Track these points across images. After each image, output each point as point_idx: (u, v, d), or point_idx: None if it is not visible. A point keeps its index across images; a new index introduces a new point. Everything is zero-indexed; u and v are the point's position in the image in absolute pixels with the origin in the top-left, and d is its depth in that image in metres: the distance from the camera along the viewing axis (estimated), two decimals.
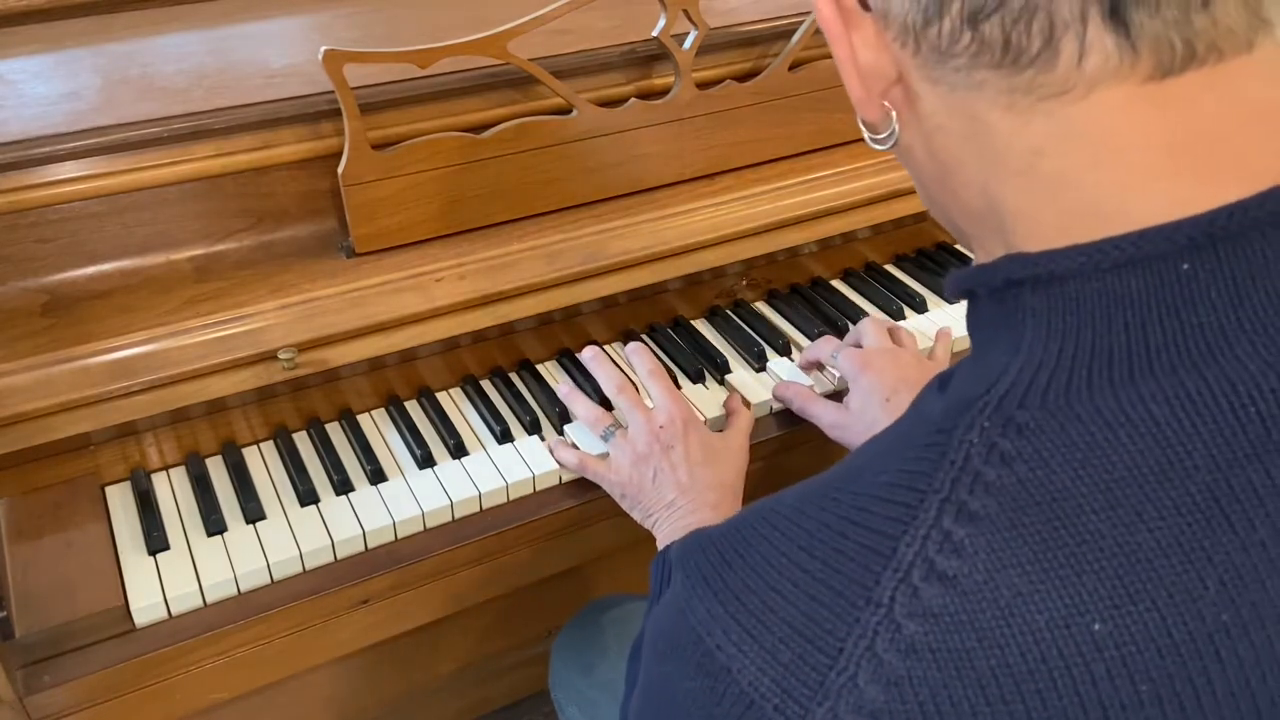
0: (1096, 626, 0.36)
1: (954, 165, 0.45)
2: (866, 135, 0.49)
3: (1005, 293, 0.42)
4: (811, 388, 0.99)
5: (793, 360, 1.04)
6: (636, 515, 0.87)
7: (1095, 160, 0.39)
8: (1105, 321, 0.39)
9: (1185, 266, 0.38)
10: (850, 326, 1.09)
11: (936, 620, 0.38)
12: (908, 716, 0.37)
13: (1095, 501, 0.37)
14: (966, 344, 0.97)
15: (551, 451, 0.92)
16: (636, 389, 0.93)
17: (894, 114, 0.46)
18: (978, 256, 0.48)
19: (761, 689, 0.40)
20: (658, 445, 0.86)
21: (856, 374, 0.93)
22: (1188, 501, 0.37)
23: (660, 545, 0.82)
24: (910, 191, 1.13)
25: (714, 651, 0.42)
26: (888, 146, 0.48)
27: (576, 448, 0.92)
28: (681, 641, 0.44)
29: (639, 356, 0.94)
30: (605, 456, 0.90)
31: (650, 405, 0.90)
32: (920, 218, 1.19)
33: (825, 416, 0.94)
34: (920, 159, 0.47)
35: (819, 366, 1.02)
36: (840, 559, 0.40)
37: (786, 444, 1.00)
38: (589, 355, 0.96)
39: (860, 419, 0.90)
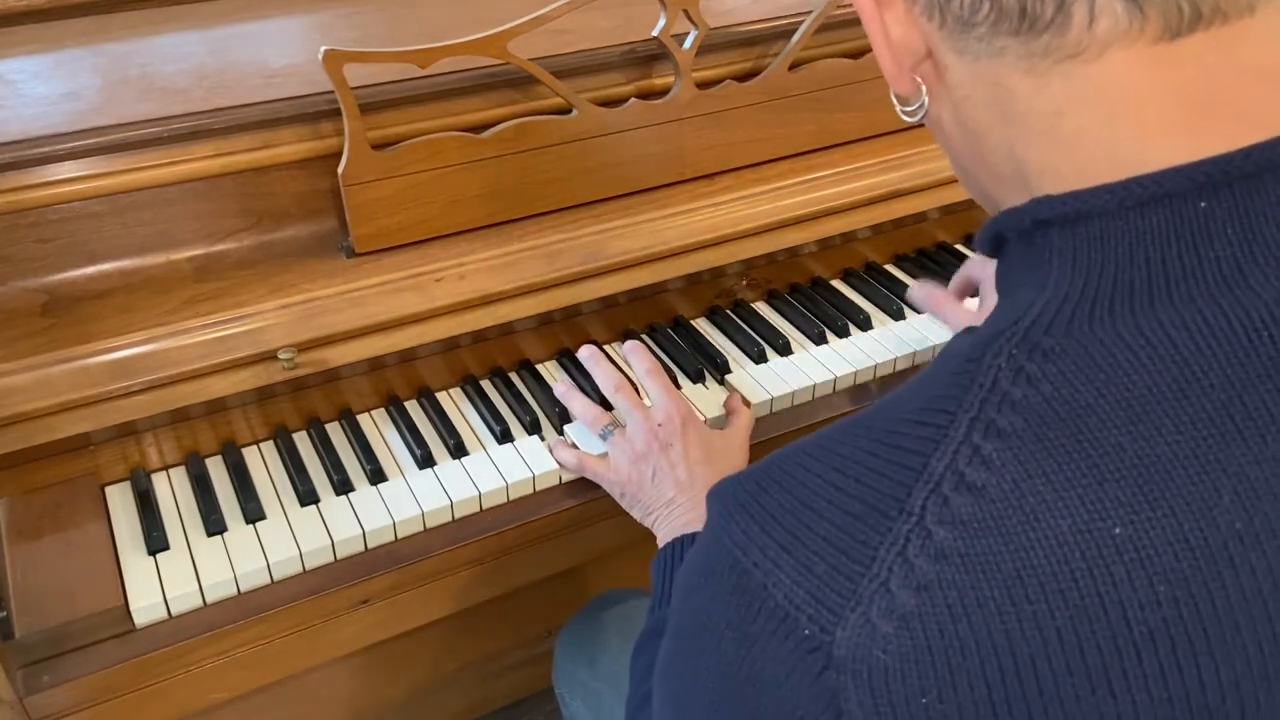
0: (1117, 530, 0.38)
1: (981, 132, 0.47)
2: (899, 108, 0.51)
3: (1033, 234, 0.45)
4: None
5: (793, 359, 1.04)
6: (636, 514, 0.87)
7: (1111, 116, 0.42)
8: (1127, 255, 0.42)
9: (1203, 204, 0.41)
10: (850, 326, 1.09)
11: (965, 527, 0.40)
12: (936, 618, 0.39)
13: (1116, 416, 0.40)
14: None
15: (551, 451, 0.92)
16: (635, 388, 0.93)
17: (924, 87, 0.49)
18: None
19: (796, 600, 0.42)
20: (656, 443, 0.86)
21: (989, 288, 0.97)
22: (1204, 417, 0.39)
23: (660, 543, 0.82)
24: (910, 191, 1.14)
25: (750, 570, 0.43)
26: (918, 119, 0.51)
27: (575, 447, 0.92)
28: (717, 566, 0.45)
29: (637, 356, 0.94)
30: (604, 456, 0.90)
31: (648, 404, 0.90)
32: (920, 218, 1.19)
33: (960, 322, 0.98)
34: (950, 129, 0.50)
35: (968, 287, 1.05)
36: (872, 476, 0.42)
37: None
38: (586, 354, 0.96)
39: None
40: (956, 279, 1.05)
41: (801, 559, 0.42)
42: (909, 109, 0.50)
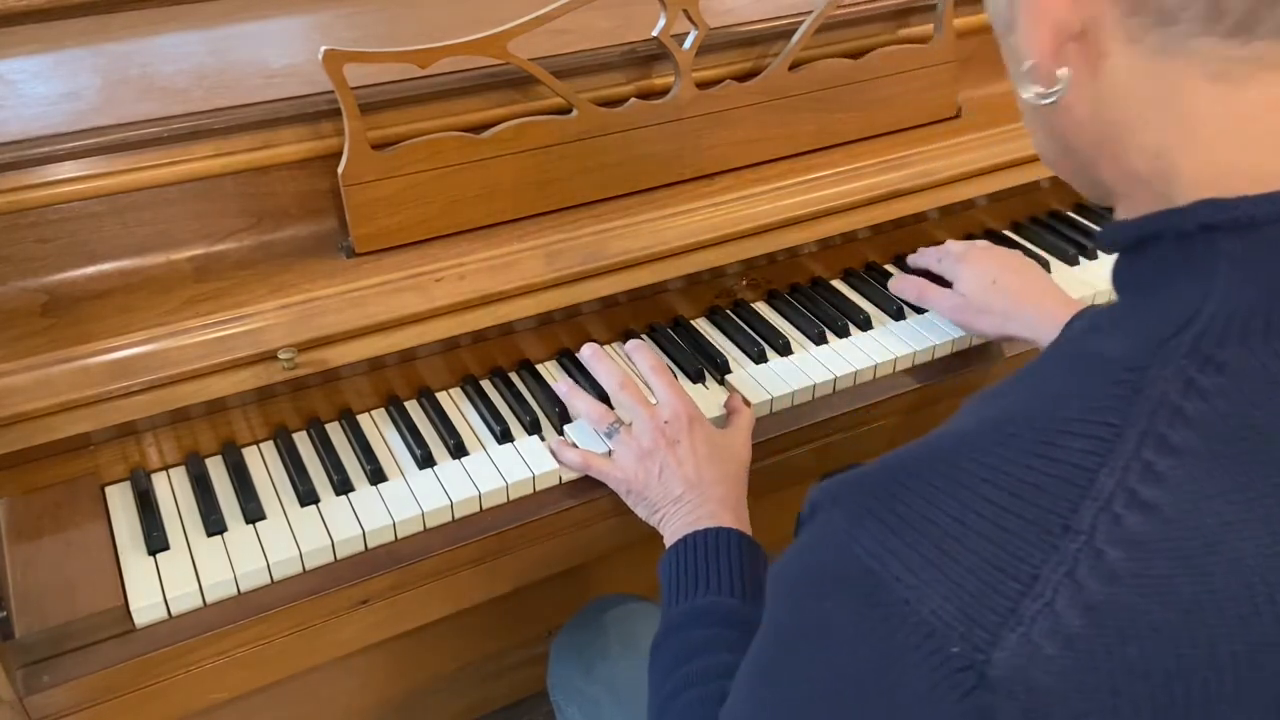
0: None
1: (1125, 127, 0.46)
2: (1025, 90, 0.49)
3: (1194, 237, 0.43)
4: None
5: (793, 358, 1.04)
6: (641, 511, 0.87)
7: None
8: None
9: None
10: (850, 326, 1.09)
11: (1140, 547, 0.38)
12: (1104, 641, 0.38)
13: None
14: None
15: (554, 453, 0.92)
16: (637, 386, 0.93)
17: (1065, 71, 0.46)
18: (1119, 213, 0.50)
19: (945, 617, 0.40)
20: (663, 440, 0.86)
21: (958, 266, 1.06)
22: None
23: (668, 542, 0.82)
24: (910, 191, 1.14)
25: (890, 583, 0.42)
26: (1047, 102, 0.48)
27: (572, 445, 0.92)
28: (846, 576, 0.44)
29: (640, 353, 0.94)
30: (609, 454, 0.90)
31: (653, 401, 0.90)
32: (920, 218, 1.19)
33: (943, 302, 1.06)
34: (1078, 118, 0.48)
35: (925, 274, 1.13)
36: (1029, 490, 0.41)
37: (786, 444, 1.00)
38: (588, 353, 0.96)
39: (973, 300, 1.03)
40: (910, 267, 1.15)
41: (952, 575, 0.41)
42: (1041, 91, 0.48)
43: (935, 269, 1.11)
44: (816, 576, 0.46)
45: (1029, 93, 0.49)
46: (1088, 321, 0.49)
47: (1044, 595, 0.39)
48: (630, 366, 0.98)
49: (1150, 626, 0.38)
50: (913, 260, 1.15)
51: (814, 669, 0.45)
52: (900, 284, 1.11)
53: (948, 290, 1.07)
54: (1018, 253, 1.10)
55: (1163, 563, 0.38)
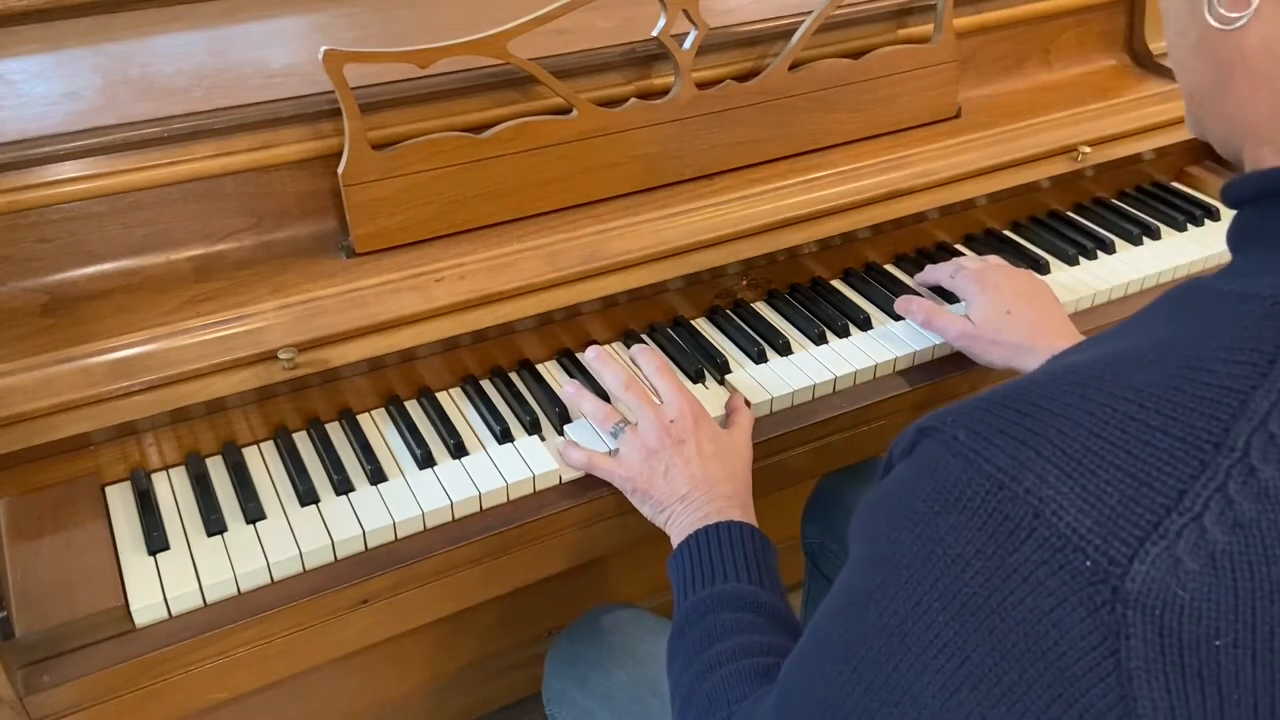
0: None
1: None
2: (1208, 13, 0.49)
3: None
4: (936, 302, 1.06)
5: (793, 358, 1.04)
6: (647, 511, 0.87)
7: None
8: None
9: None
10: (850, 326, 1.09)
11: None
12: (1249, 558, 0.38)
13: None
14: None
15: (560, 454, 0.92)
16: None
17: None
18: (1250, 164, 0.51)
19: (1081, 529, 0.40)
20: (669, 439, 0.86)
21: (975, 291, 1.02)
22: None
23: (675, 541, 0.82)
24: (910, 191, 1.14)
25: (1020, 496, 0.42)
26: (1232, 26, 0.48)
27: (577, 445, 0.92)
28: (969, 491, 0.43)
29: (644, 356, 0.94)
30: (614, 454, 0.90)
31: (658, 401, 0.90)
32: (920, 218, 1.19)
33: (953, 328, 1.01)
34: (1250, 47, 0.48)
35: (937, 290, 1.12)
36: (1178, 409, 0.41)
37: (785, 445, 1.00)
38: (592, 355, 0.96)
39: (984, 330, 0.99)
40: (917, 283, 1.12)
41: (1090, 489, 0.41)
42: (1227, 14, 0.48)
43: (947, 285, 1.08)
44: (929, 495, 0.45)
45: (1212, 15, 0.49)
46: (1209, 276, 0.49)
47: (1192, 510, 0.39)
48: (634, 369, 0.98)
49: None
50: (921, 278, 1.12)
51: (923, 588, 0.44)
52: (907, 306, 1.06)
53: (958, 316, 1.02)
54: (1032, 276, 1.06)
55: None
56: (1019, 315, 0.98)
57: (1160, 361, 0.43)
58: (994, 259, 1.10)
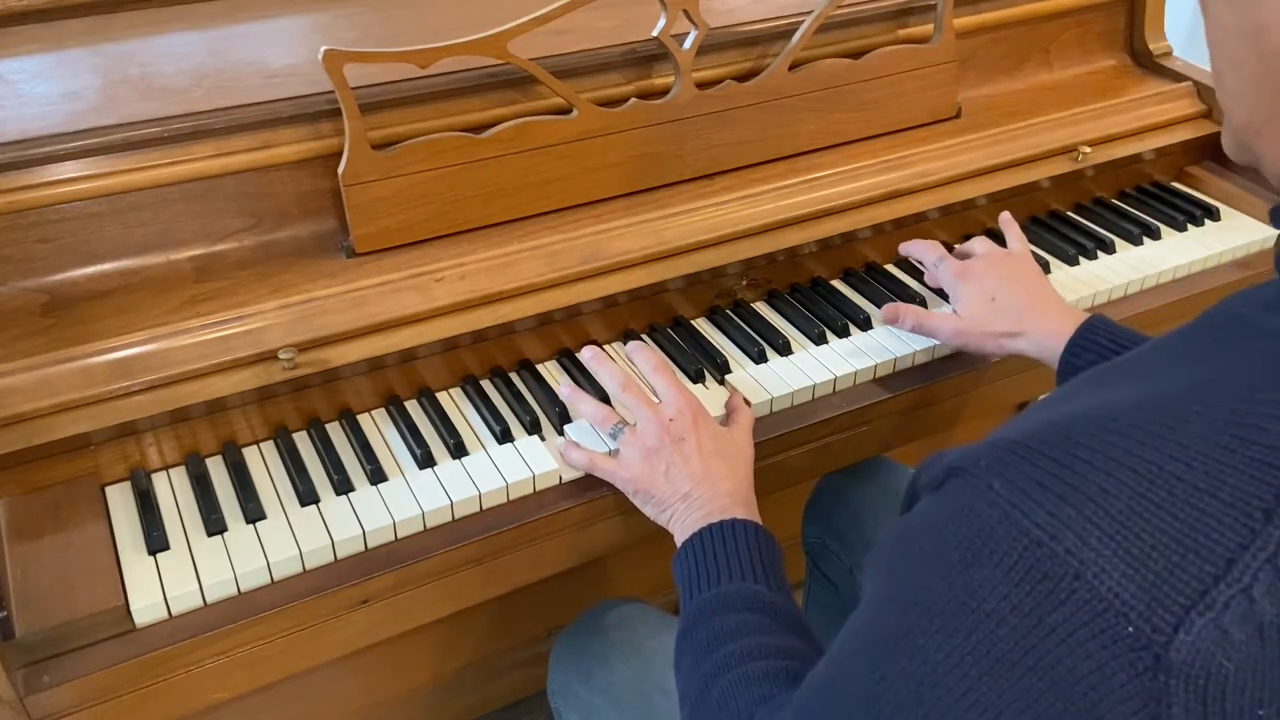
0: None
1: None
2: None
3: None
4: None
5: (793, 358, 1.04)
6: (650, 511, 0.87)
7: None
8: None
9: None
10: (850, 326, 1.09)
11: None
12: None
13: None
14: None
15: (561, 456, 0.92)
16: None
17: None
18: None
19: (1124, 595, 0.39)
20: (668, 438, 0.86)
21: (955, 283, 1.01)
22: None
23: (679, 540, 0.82)
24: (910, 191, 1.14)
25: (1060, 556, 0.41)
26: None
27: (577, 446, 0.92)
28: (1005, 546, 0.42)
29: (641, 354, 0.94)
30: (614, 454, 0.90)
31: (656, 400, 0.90)
32: (920, 218, 1.19)
33: (944, 328, 1.01)
34: None
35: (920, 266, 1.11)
36: (1227, 471, 0.40)
37: (785, 444, 1.00)
38: (589, 355, 0.96)
39: (974, 324, 0.98)
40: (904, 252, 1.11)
41: (1134, 553, 0.39)
42: None
43: (929, 269, 1.08)
44: (962, 544, 0.44)
45: None
46: (1256, 299, 0.47)
47: (1241, 581, 0.38)
48: (631, 368, 0.98)
49: None
50: (904, 248, 1.11)
51: (953, 641, 0.43)
52: (894, 314, 1.04)
53: (947, 314, 1.02)
54: (1012, 255, 1.05)
55: None
56: (1004, 301, 0.98)
57: (1207, 414, 0.42)
58: (976, 244, 1.09)
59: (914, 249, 1.10)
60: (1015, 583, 0.42)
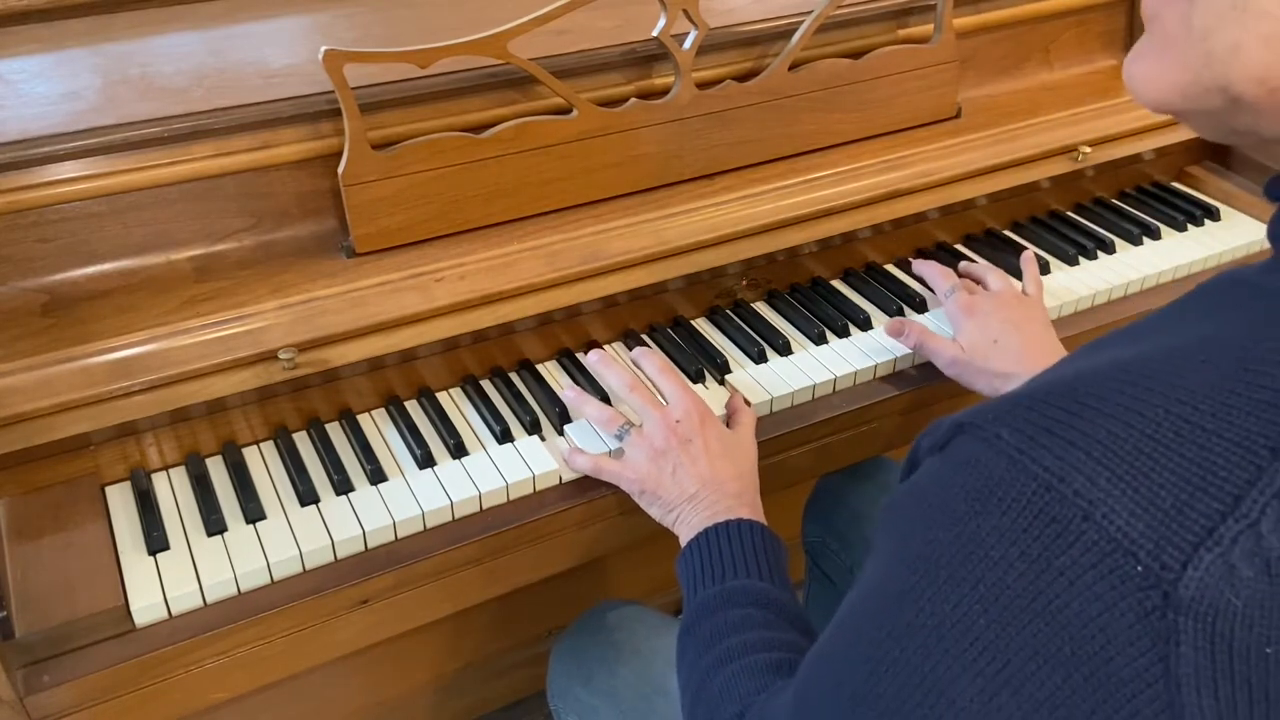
0: None
1: None
2: None
3: None
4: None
5: (793, 358, 1.04)
6: (655, 511, 0.87)
7: None
8: None
9: None
10: (850, 326, 1.09)
11: None
12: None
13: None
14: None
15: (566, 462, 0.92)
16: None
17: None
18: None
19: (1132, 534, 0.39)
20: (675, 439, 0.86)
21: (961, 319, 1.02)
22: None
23: (684, 540, 0.82)
24: (910, 191, 1.14)
25: (1069, 498, 0.41)
26: None
27: (583, 451, 0.91)
28: (1014, 491, 0.42)
29: (647, 358, 0.94)
30: (619, 456, 0.90)
31: (663, 403, 0.90)
32: (920, 218, 1.19)
33: (944, 354, 1.01)
34: None
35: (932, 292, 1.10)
36: (1234, 413, 0.40)
37: (785, 444, 1.00)
38: (594, 359, 0.96)
39: (973, 358, 0.99)
40: (924, 271, 1.10)
41: (1143, 492, 0.40)
42: None
43: (941, 297, 1.07)
44: (970, 494, 0.44)
45: None
46: (1249, 270, 0.48)
47: (1248, 516, 0.39)
48: (636, 371, 0.98)
49: None
50: (918, 268, 1.12)
51: (963, 589, 0.43)
52: (899, 329, 1.05)
53: (949, 341, 1.02)
54: (1023, 300, 1.05)
55: None
56: (1005, 345, 0.98)
57: (1213, 362, 0.42)
58: (992, 279, 1.08)
59: (927, 272, 1.11)
60: (1024, 528, 0.42)
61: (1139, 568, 0.39)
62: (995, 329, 0.99)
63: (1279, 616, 0.38)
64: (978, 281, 1.10)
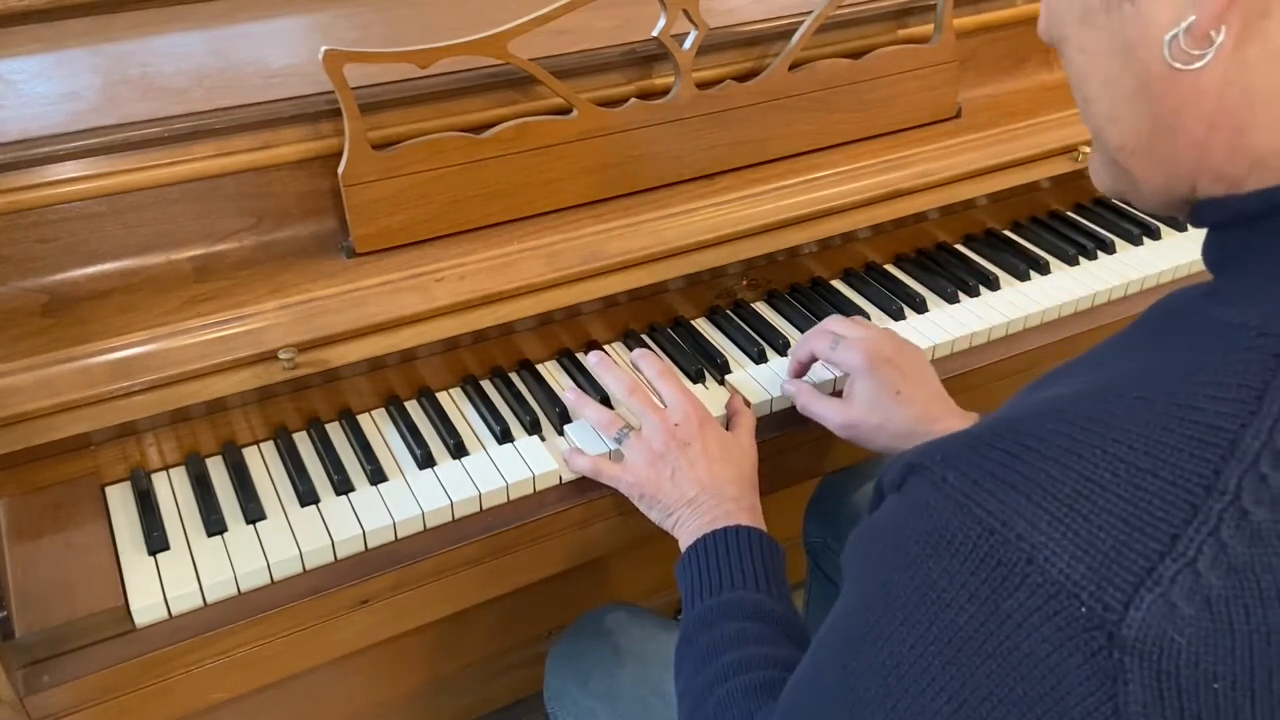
0: None
1: (1265, 98, 0.45)
2: (1170, 51, 0.46)
3: None
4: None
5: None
6: (655, 516, 0.87)
7: None
8: None
9: None
10: None
11: None
12: (1244, 602, 0.38)
13: None
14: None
15: (566, 462, 0.92)
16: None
17: (1221, 32, 0.45)
18: (1208, 193, 0.49)
19: (1074, 576, 0.40)
20: (674, 443, 0.86)
21: (863, 368, 0.89)
22: None
23: (683, 544, 0.82)
24: (910, 191, 1.14)
25: (1012, 542, 0.42)
26: (1193, 66, 0.46)
27: (584, 452, 0.91)
28: (961, 536, 0.43)
29: (646, 361, 0.94)
30: (619, 459, 0.90)
31: (662, 406, 0.90)
32: (920, 218, 1.19)
33: (834, 417, 0.91)
34: (1203, 88, 0.46)
35: (809, 364, 0.99)
36: (1167, 451, 0.41)
37: (786, 444, 1.00)
38: (594, 361, 0.96)
39: (870, 415, 0.88)
40: (793, 359, 0.98)
41: (1083, 534, 0.40)
42: (1194, 52, 0.46)
43: (824, 357, 0.94)
44: (921, 538, 0.45)
45: (1172, 55, 0.46)
46: (1191, 295, 0.48)
47: (1185, 555, 0.39)
48: (635, 373, 0.98)
49: None
50: (795, 353, 0.98)
51: (915, 632, 0.44)
52: (789, 388, 0.97)
53: (837, 403, 0.91)
54: (913, 345, 0.94)
55: None
56: (909, 397, 0.87)
57: (1148, 399, 0.43)
58: (869, 335, 0.93)
59: (801, 353, 0.97)
60: (971, 571, 0.43)
61: (1083, 609, 0.40)
62: (898, 379, 0.88)
63: (1224, 652, 0.39)
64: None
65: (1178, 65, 0.46)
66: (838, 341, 0.92)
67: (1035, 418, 0.45)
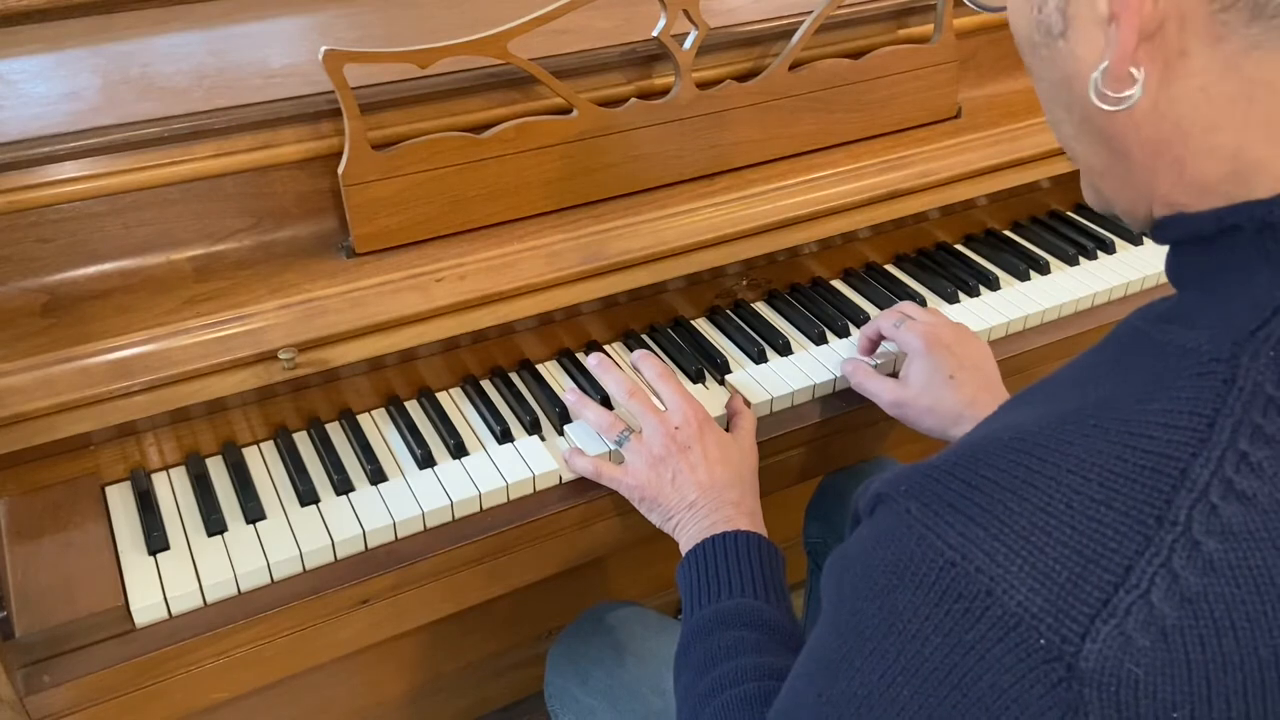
0: None
1: (1200, 129, 0.45)
2: (1098, 94, 0.47)
3: (1277, 229, 0.43)
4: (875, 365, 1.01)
5: (793, 358, 1.04)
6: (655, 518, 0.87)
7: None
8: None
9: None
10: (850, 326, 1.09)
11: (1237, 538, 0.39)
12: (1199, 632, 0.39)
13: None
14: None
15: (567, 463, 0.92)
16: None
17: (1140, 72, 0.45)
18: (1163, 213, 0.49)
19: (1032, 609, 0.40)
20: (674, 446, 0.86)
21: (921, 350, 0.92)
22: None
23: (684, 548, 0.82)
24: (910, 191, 1.14)
25: (972, 575, 0.42)
26: (1120, 108, 0.47)
27: (584, 454, 0.92)
28: (920, 568, 0.43)
29: (646, 363, 0.94)
30: (618, 461, 0.90)
31: (662, 408, 0.90)
32: (920, 218, 1.19)
33: (885, 394, 0.94)
34: (1137, 123, 0.47)
35: (877, 342, 1.02)
36: (1120, 481, 0.41)
37: (786, 444, 1.00)
38: (594, 363, 0.96)
39: (921, 397, 0.91)
40: (862, 335, 1.01)
41: (1039, 566, 0.40)
42: (1113, 95, 0.46)
43: (889, 334, 0.98)
44: (888, 569, 0.45)
45: (1098, 98, 0.47)
46: (1152, 314, 0.48)
47: (1139, 587, 0.39)
48: (635, 375, 0.98)
49: (1247, 618, 0.38)
50: (865, 329, 1.02)
51: (884, 662, 0.44)
52: (845, 367, 1.00)
53: (890, 381, 0.94)
54: (976, 336, 0.97)
55: (1260, 554, 0.39)
56: (962, 382, 0.90)
57: (1102, 427, 0.43)
58: (938, 322, 0.97)
59: (871, 330, 1.01)
60: (934, 603, 0.43)
61: (1042, 641, 0.40)
62: (954, 364, 0.91)
63: (1181, 683, 0.39)
64: None
65: (1105, 107, 0.47)
66: (903, 321, 0.96)
67: (994, 447, 0.45)
